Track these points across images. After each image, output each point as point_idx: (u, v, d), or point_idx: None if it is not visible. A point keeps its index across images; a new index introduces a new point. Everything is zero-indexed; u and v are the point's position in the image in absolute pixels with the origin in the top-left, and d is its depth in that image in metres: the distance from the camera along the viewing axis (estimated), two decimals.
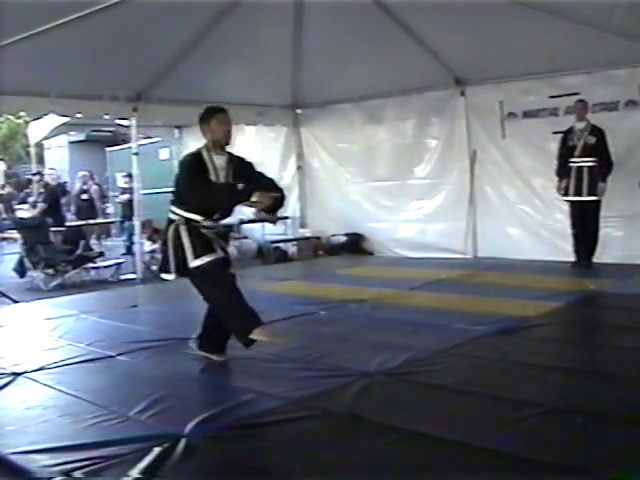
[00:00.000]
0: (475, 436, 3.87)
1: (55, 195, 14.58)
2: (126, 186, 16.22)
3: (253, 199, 5.31)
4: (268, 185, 5.59)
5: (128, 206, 15.02)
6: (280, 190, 5.65)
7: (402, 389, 4.91)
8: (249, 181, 5.48)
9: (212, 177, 5.48)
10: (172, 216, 5.57)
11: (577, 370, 5.32)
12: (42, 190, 14.71)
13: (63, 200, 15.73)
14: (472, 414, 4.33)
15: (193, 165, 5.50)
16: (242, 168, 5.67)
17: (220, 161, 5.54)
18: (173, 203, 5.58)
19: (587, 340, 6.59)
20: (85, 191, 17.40)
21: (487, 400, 4.54)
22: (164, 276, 5.66)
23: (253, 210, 5.66)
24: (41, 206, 13.84)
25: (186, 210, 5.47)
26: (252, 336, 5.25)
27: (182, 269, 5.49)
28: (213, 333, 5.72)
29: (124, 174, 16.72)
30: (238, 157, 5.71)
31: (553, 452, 3.63)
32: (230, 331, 5.55)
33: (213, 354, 5.72)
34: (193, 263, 5.39)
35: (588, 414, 4.19)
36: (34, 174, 17.48)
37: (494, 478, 3.42)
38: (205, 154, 5.52)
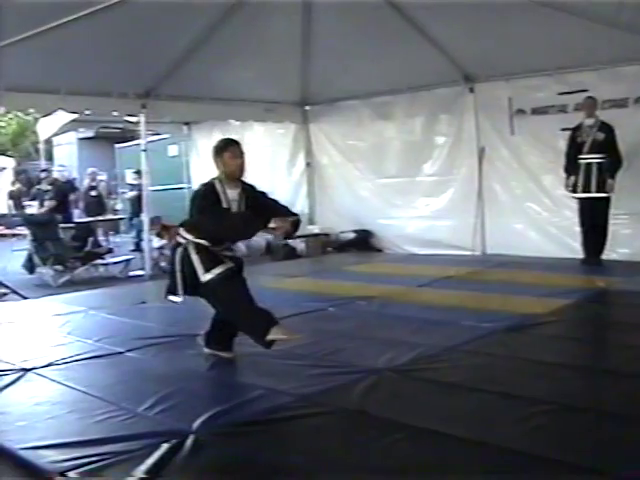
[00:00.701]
0: (484, 433, 3.87)
1: (64, 192, 14.61)
2: (135, 182, 16.26)
3: (272, 225, 5.30)
4: (282, 211, 5.61)
5: (137, 203, 15.06)
6: (295, 215, 5.66)
7: (411, 386, 4.91)
8: (263, 209, 5.49)
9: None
10: (180, 240, 5.59)
11: (586, 367, 5.31)
12: (49, 187, 14.74)
13: (72, 197, 15.75)
14: (481, 411, 4.33)
15: (207, 196, 5.48)
16: (255, 197, 5.66)
17: (233, 193, 5.52)
18: (183, 227, 5.58)
19: (596, 337, 6.59)
20: (94, 187, 17.44)
21: (496, 397, 4.53)
22: (172, 298, 5.67)
23: (272, 235, 5.63)
24: (50, 203, 13.88)
25: (196, 237, 5.47)
26: (270, 337, 5.24)
27: (191, 288, 5.51)
28: (221, 330, 5.72)
29: (133, 170, 16.77)
30: (251, 186, 5.70)
31: (562, 450, 3.63)
32: (247, 335, 5.54)
33: (221, 351, 5.73)
34: (204, 277, 5.38)
35: (598, 412, 4.19)
36: (42, 171, 17.51)
37: (503, 475, 3.41)
38: (218, 186, 5.49)
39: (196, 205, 5.50)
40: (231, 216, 5.48)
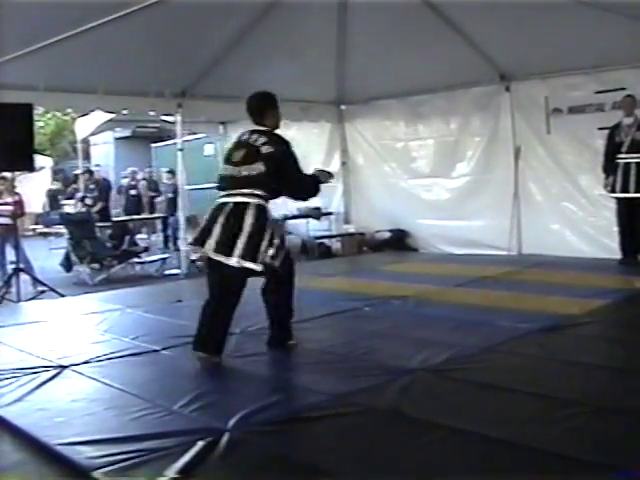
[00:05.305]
0: (518, 434, 3.84)
1: (107, 191, 14.82)
2: (169, 182, 16.44)
3: None
4: None
5: (171, 202, 15.25)
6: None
7: (446, 386, 4.89)
8: None
9: None
10: None
11: (623, 369, 5.25)
12: (92, 186, 14.91)
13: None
14: (516, 412, 4.30)
15: None
16: None
17: None
18: None
19: (633, 339, 6.49)
20: (134, 187, 17.58)
21: (532, 398, 4.50)
22: None
23: None
24: (100, 204, 14.11)
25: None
26: None
27: None
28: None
29: (166, 170, 16.94)
30: None
31: (599, 451, 3.59)
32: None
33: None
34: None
35: (634, 414, 4.14)
36: (86, 171, 17.70)
37: (539, 476, 3.39)
38: None
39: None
40: None
